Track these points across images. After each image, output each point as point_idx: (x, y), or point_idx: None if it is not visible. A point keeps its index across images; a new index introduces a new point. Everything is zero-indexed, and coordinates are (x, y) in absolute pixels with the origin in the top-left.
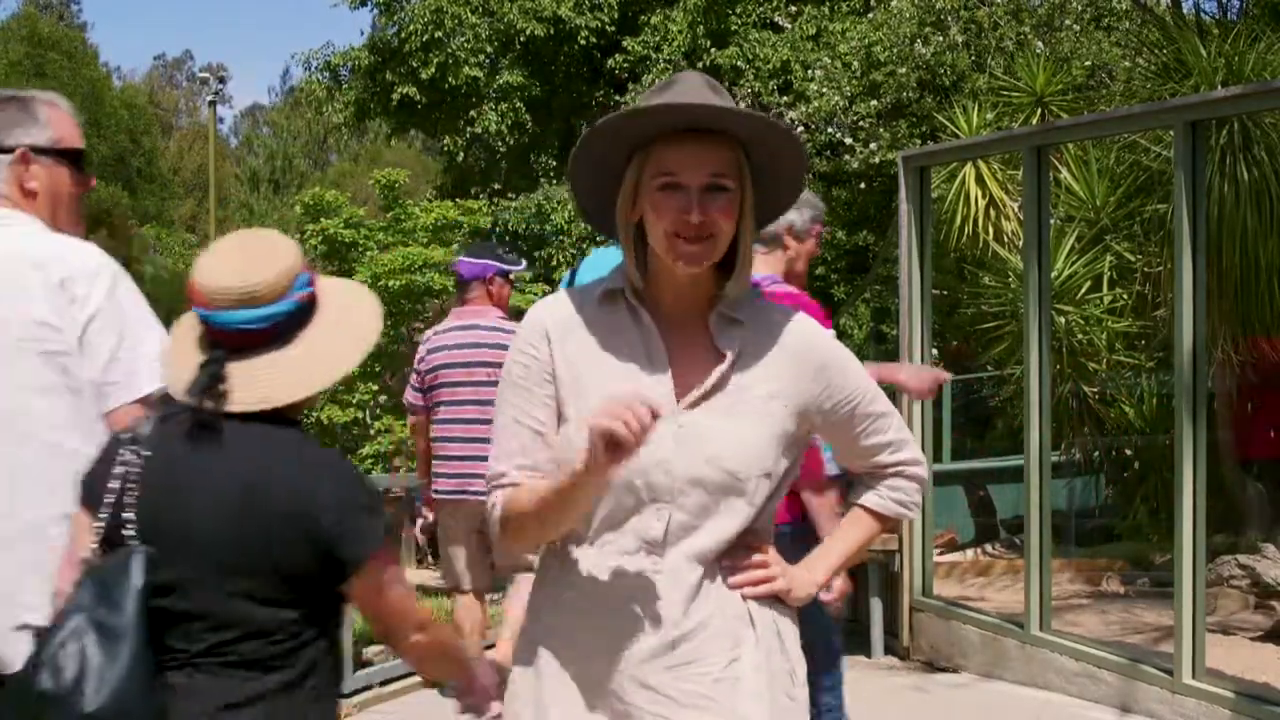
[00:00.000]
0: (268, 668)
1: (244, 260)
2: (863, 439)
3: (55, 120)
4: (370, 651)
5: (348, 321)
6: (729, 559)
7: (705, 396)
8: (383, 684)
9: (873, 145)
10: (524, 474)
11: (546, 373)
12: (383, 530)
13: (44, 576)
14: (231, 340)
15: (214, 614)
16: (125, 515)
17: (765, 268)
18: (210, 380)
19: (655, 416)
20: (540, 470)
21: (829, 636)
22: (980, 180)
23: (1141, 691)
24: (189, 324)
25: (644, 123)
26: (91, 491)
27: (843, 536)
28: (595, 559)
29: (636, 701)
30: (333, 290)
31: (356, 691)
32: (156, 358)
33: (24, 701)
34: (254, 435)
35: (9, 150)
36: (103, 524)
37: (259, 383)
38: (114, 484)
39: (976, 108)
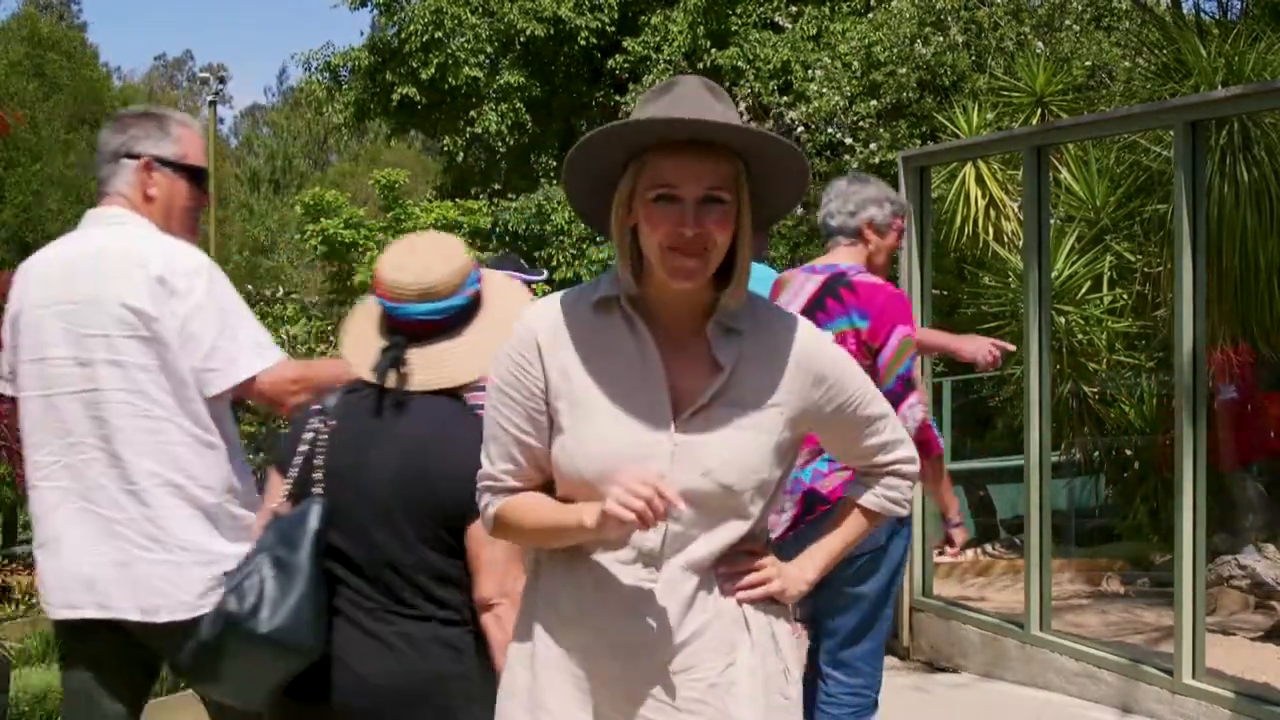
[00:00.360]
0: (445, 616)
1: (424, 259)
2: (860, 441)
3: (184, 138)
4: None
5: (508, 317)
6: (725, 564)
7: (702, 409)
8: None
9: (873, 145)
10: (517, 480)
11: (536, 385)
12: None
13: (157, 535)
14: (411, 329)
15: (393, 558)
16: (314, 475)
17: (848, 258)
18: (393, 363)
19: (669, 504)
20: (530, 478)
21: (880, 638)
22: (980, 180)
23: (1141, 691)
24: (366, 311)
25: (636, 135)
26: (282, 454)
27: (835, 534)
28: (591, 567)
29: (632, 708)
30: (495, 288)
31: None
32: (253, 345)
33: (214, 624)
34: (427, 406)
35: (136, 157)
36: (291, 481)
37: (438, 366)
38: (303, 448)
39: (976, 108)
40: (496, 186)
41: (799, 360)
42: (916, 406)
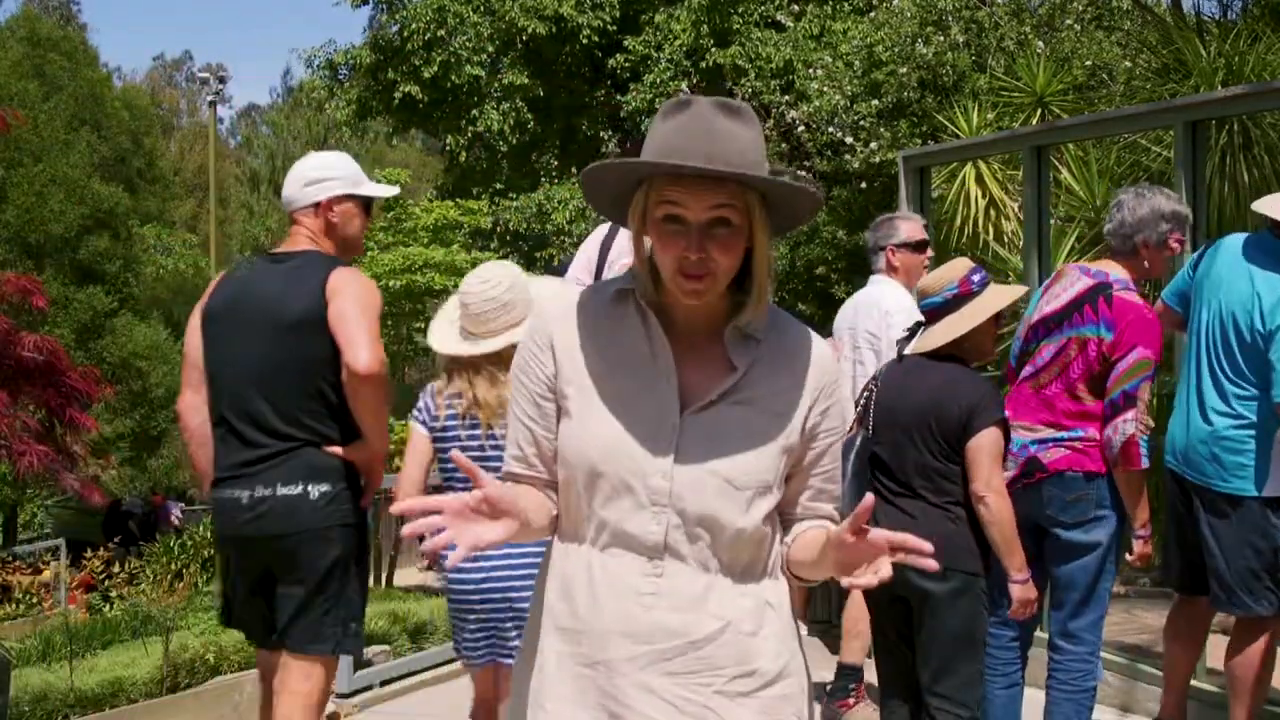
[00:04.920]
0: (943, 501)
1: (931, 274)
2: (813, 479)
3: (907, 229)
4: (370, 651)
5: (976, 309)
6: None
7: (711, 405)
8: (383, 684)
9: (873, 145)
10: (519, 467)
11: (545, 370)
12: (994, 413)
13: None
14: (925, 316)
15: (912, 462)
16: (869, 411)
17: (1119, 270)
18: (909, 336)
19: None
20: (535, 470)
21: (1101, 609)
22: (980, 180)
23: (1141, 691)
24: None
25: (640, 170)
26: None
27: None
28: (595, 562)
29: (636, 705)
30: (988, 291)
31: (356, 692)
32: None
33: None
34: (941, 366)
35: (883, 248)
36: (857, 415)
37: (923, 339)
38: (862, 397)
39: (977, 108)
40: (498, 186)
41: (811, 372)
42: (1130, 422)
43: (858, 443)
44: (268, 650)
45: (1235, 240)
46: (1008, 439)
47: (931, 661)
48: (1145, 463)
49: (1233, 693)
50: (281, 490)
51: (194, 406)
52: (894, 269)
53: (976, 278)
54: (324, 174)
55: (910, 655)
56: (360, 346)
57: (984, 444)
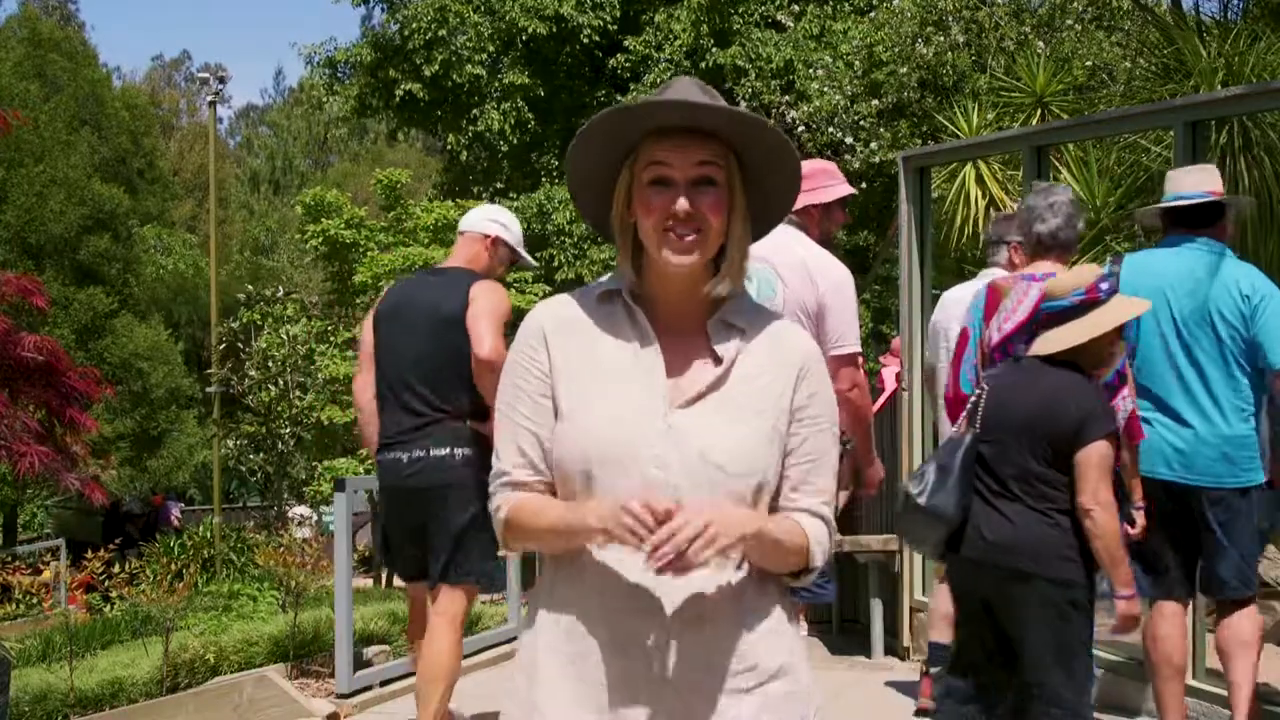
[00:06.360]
0: (1042, 506)
1: (1061, 276)
2: (794, 469)
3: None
4: (370, 651)
5: (1098, 315)
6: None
7: (699, 397)
8: (383, 684)
9: (873, 145)
10: (525, 474)
11: (541, 370)
12: (1106, 425)
13: None
14: (1046, 319)
15: (1011, 464)
16: (978, 412)
17: (1056, 267)
18: (1029, 338)
19: (665, 523)
20: (538, 469)
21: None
22: (980, 180)
23: (1142, 692)
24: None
25: (632, 121)
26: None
27: (783, 527)
28: (594, 560)
29: (639, 697)
30: (1114, 300)
31: (356, 692)
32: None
33: (902, 502)
34: (1056, 372)
35: (1007, 243)
36: (965, 416)
37: (1044, 343)
38: (974, 395)
39: (977, 108)
40: (498, 185)
41: (794, 359)
42: (1128, 399)
43: (966, 440)
44: (415, 584)
45: (1150, 259)
46: (1119, 452)
47: (1029, 669)
48: (1146, 433)
49: (1231, 672)
50: (434, 451)
51: (364, 387)
52: (1014, 265)
53: (1105, 286)
54: (502, 220)
55: (987, 648)
56: (484, 338)
57: (1093, 456)
